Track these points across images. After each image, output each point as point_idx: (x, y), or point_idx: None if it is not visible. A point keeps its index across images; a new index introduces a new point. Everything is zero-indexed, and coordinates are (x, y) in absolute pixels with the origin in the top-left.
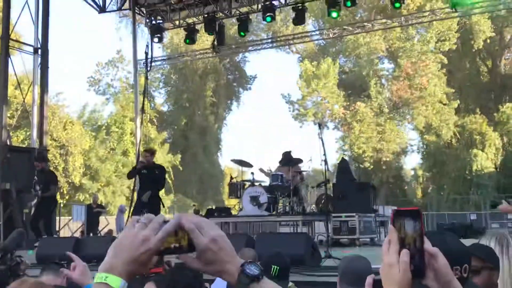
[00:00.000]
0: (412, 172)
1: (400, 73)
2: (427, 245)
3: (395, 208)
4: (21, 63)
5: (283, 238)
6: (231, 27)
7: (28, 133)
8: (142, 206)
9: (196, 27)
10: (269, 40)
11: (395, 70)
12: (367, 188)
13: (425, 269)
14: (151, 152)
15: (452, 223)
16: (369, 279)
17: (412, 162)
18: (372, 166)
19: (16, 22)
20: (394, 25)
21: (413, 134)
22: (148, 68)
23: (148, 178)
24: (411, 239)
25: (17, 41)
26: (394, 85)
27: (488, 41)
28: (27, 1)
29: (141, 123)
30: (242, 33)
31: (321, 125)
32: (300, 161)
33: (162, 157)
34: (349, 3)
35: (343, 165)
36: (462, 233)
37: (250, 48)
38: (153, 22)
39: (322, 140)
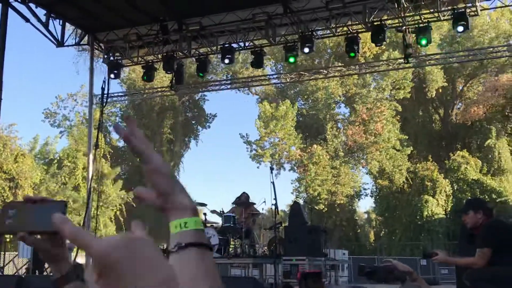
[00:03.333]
0: (366, 216)
1: (355, 118)
2: None
3: (302, 271)
4: None
5: (231, 282)
6: (191, 65)
7: None
8: None
9: (155, 65)
10: (228, 81)
11: (351, 115)
12: (318, 232)
13: None
14: None
15: (374, 266)
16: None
17: (365, 206)
18: (326, 209)
19: None
20: (350, 72)
21: (366, 178)
22: (104, 104)
23: None
24: None
25: None
26: (349, 129)
27: (441, 90)
28: None
29: (94, 158)
30: (200, 74)
31: (272, 170)
32: (253, 203)
33: (115, 193)
34: (306, 50)
35: (295, 209)
36: (383, 277)
37: (209, 88)
38: (111, 58)
39: (273, 184)
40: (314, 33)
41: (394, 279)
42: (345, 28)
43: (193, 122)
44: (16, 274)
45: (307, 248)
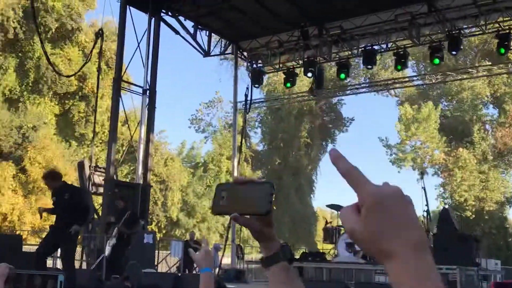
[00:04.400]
0: None
1: (505, 119)
2: None
3: (495, 281)
4: (129, 101)
5: None
6: (329, 68)
7: (131, 168)
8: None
9: (295, 70)
10: (367, 85)
11: (500, 116)
12: (469, 240)
13: None
14: (47, 177)
15: None
16: None
17: None
18: (473, 216)
19: (128, 65)
20: (500, 71)
21: None
22: (248, 111)
23: (58, 205)
24: None
25: (128, 82)
26: (499, 131)
27: None
28: (138, 45)
29: (238, 162)
30: (342, 75)
31: (423, 174)
32: None
33: None
34: (454, 52)
35: (444, 215)
36: None
37: (348, 91)
38: (254, 65)
39: (424, 190)
40: (461, 31)
41: None
42: (495, 25)
43: (330, 126)
44: (168, 272)
45: (457, 257)
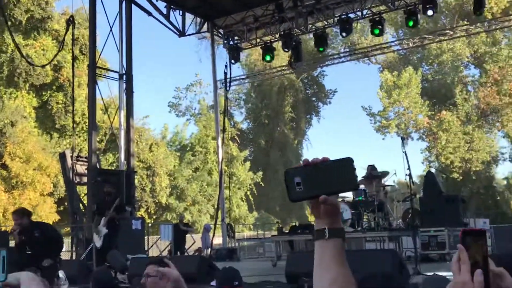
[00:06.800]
0: (505, 182)
1: (487, 79)
2: (492, 266)
3: (464, 228)
4: (107, 88)
5: (369, 255)
6: (309, 41)
7: (116, 156)
8: None
9: (273, 45)
10: (347, 53)
11: (482, 76)
12: (456, 201)
13: None
14: (20, 213)
15: None
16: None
17: (504, 171)
18: (461, 177)
19: (102, 51)
20: (477, 30)
21: (503, 142)
22: (228, 89)
23: (28, 244)
24: (478, 259)
25: (103, 68)
26: (481, 91)
27: None
28: (111, 29)
29: (223, 142)
30: (321, 49)
31: (404, 140)
32: (384, 175)
33: (244, 175)
34: (430, 13)
35: (430, 178)
36: None
37: (328, 62)
38: (231, 42)
39: (405, 154)
40: None
41: None
42: None
43: (314, 99)
44: (160, 255)
45: (445, 218)
